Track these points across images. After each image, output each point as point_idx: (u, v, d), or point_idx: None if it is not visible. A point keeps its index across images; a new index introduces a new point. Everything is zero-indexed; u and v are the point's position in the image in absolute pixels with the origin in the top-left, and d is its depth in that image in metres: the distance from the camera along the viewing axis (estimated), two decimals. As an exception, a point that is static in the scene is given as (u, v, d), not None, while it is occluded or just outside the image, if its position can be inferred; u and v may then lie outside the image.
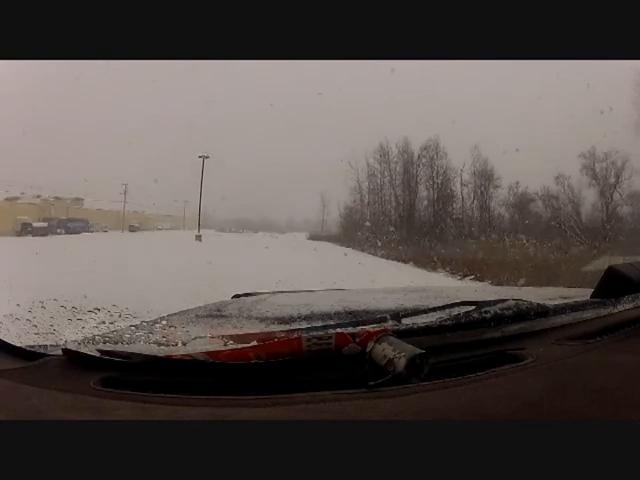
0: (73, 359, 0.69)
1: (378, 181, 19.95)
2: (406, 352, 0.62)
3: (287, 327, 0.88)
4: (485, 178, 18.45)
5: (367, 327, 0.70)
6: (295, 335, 0.68)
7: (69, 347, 0.71)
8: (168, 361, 0.65)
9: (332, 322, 0.87)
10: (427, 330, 0.74)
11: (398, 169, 19.57)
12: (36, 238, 18.43)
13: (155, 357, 0.66)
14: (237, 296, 1.50)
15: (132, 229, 25.66)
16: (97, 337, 0.83)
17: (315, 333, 0.68)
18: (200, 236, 20.52)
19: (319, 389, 0.60)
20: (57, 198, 22.15)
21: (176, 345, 0.75)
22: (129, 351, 0.69)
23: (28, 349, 0.75)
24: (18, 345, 0.76)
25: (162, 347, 0.74)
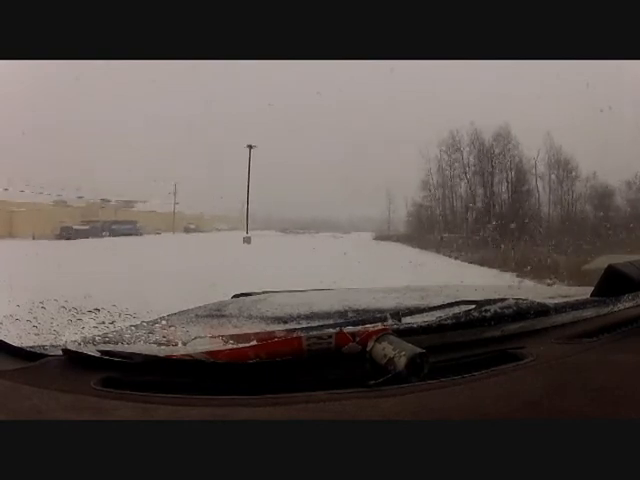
0: (73, 359, 0.69)
1: (447, 174, 17.66)
2: (406, 351, 0.62)
3: (287, 326, 0.88)
4: (562, 169, 16.40)
5: (367, 326, 0.70)
6: (295, 334, 0.68)
7: (69, 347, 0.71)
8: (168, 361, 0.65)
9: (332, 321, 0.87)
10: (427, 329, 0.74)
11: (472, 160, 17.18)
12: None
13: (155, 357, 0.66)
14: (237, 296, 1.50)
15: (187, 230, 24.06)
16: (97, 337, 0.83)
17: (315, 332, 0.68)
18: (249, 238, 17.16)
19: (319, 389, 0.60)
20: (104, 200, 21.47)
21: (176, 345, 0.75)
22: (129, 351, 0.68)
23: (28, 350, 0.75)
24: (18, 346, 0.76)
25: (162, 347, 0.74)
